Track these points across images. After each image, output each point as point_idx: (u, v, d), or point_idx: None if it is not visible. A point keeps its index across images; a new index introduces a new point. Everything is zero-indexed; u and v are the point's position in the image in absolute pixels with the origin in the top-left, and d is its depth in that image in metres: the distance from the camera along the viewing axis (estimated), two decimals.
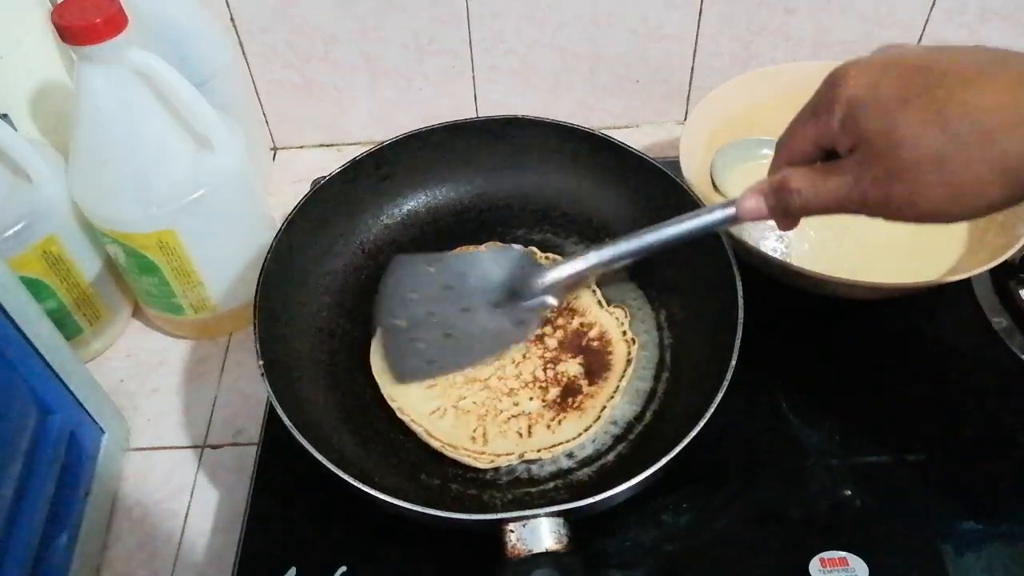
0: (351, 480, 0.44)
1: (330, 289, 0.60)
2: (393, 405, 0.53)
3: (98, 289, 0.63)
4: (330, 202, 0.60)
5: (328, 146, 0.83)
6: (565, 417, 0.53)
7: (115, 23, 0.49)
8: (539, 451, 0.51)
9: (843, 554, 0.48)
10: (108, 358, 0.66)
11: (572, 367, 0.55)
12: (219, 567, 0.53)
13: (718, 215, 0.45)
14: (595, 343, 0.57)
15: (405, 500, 0.43)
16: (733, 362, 0.47)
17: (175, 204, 0.55)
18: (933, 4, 0.72)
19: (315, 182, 0.61)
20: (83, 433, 0.54)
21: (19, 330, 0.47)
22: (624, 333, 0.57)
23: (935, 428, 0.55)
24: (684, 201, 0.56)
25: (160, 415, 0.62)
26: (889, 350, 0.60)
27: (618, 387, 0.54)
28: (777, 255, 0.61)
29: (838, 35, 0.75)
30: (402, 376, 0.54)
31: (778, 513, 0.51)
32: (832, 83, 0.38)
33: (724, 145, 0.65)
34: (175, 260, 0.58)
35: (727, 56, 0.76)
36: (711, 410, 0.45)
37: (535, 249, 0.62)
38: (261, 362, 0.48)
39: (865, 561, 0.48)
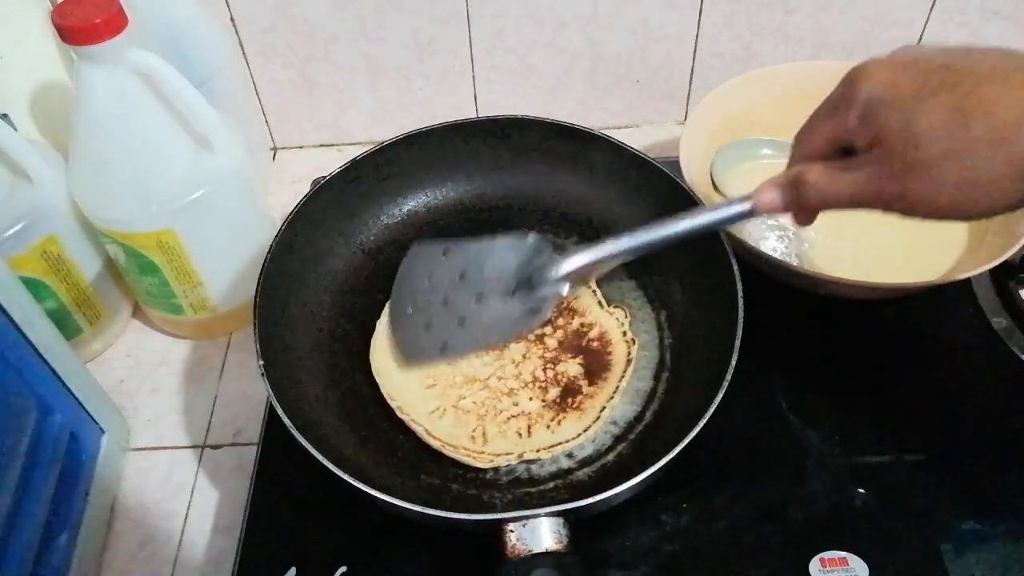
0: (351, 480, 0.44)
1: (330, 289, 0.60)
2: (393, 404, 0.53)
3: (98, 289, 0.63)
4: (330, 202, 0.60)
5: (328, 146, 0.83)
6: (565, 417, 0.53)
7: (115, 23, 0.49)
8: (539, 451, 0.51)
9: (843, 554, 0.48)
10: (108, 358, 0.66)
11: (572, 367, 0.55)
12: (219, 567, 0.53)
13: (735, 208, 0.45)
14: (595, 343, 0.57)
15: (405, 500, 0.43)
16: (733, 362, 0.47)
17: (175, 204, 0.55)
18: (933, 4, 0.72)
19: (315, 182, 0.61)
20: (83, 433, 0.54)
21: (19, 330, 0.47)
22: (624, 333, 0.57)
23: (935, 428, 0.55)
24: (684, 201, 0.56)
25: (160, 415, 0.62)
26: (889, 350, 0.60)
27: (618, 387, 0.54)
28: (777, 255, 0.61)
29: (838, 35, 0.75)
30: (416, 358, 0.55)
31: (778, 513, 0.51)
32: (851, 80, 0.38)
33: (724, 145, 0.65)
34: (175, 260, 0.58)
35: (727, 56, 0.76)
36: (711, 410, 0.45)
37: (551, 237, 0.61)
38: (261, 362, 0.48)
39: (865, 561, 0.48)
